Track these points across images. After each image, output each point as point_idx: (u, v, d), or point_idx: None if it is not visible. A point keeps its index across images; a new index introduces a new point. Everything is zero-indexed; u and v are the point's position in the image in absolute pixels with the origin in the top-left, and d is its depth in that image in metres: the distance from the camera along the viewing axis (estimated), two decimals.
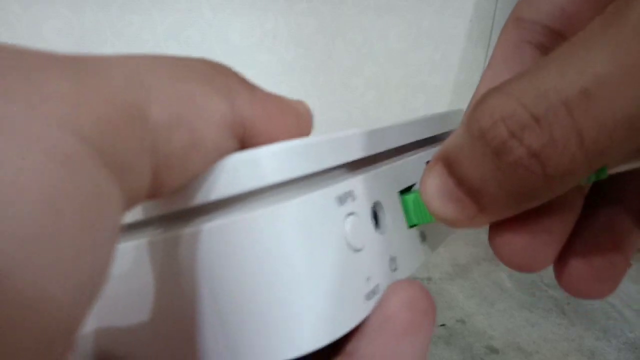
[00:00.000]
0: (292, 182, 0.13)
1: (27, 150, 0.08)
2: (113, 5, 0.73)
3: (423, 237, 0.18)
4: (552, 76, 0.11)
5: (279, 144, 0.13)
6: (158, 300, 0.14)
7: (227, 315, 0.13)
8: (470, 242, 0.85)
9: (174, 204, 0.13)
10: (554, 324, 0.65)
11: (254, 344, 0.12)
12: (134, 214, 0.14)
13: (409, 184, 0.18)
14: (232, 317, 0.12)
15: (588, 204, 0.16)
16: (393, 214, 0.16)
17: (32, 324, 0.07)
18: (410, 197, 0.17)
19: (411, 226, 0.17)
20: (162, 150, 0.11)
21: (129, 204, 0.10)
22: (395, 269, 0.16)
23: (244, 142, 0.13)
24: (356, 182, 0.15)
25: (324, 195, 0.13)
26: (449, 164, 0.13)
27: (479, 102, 0.12)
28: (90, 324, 0.16)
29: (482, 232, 0.88)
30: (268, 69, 0.80)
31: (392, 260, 0.16)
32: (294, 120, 0.14)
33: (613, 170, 0.13)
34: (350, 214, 0.14)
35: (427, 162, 0.20)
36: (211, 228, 0.12)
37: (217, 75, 0.13)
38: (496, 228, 0.14)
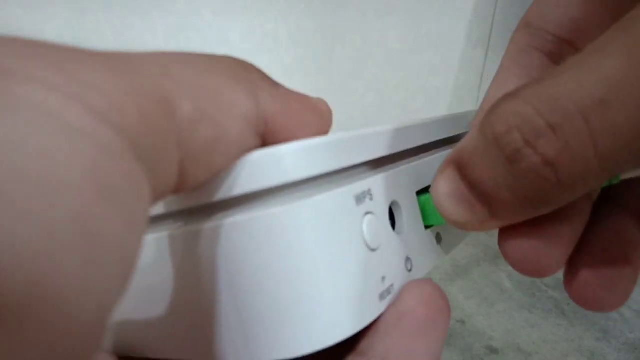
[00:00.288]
0: (312, 180, 0.13)
1: (66, 139, 0.08)
2: (114, 7, 0.73)
3: (439, 238, 0.18)
4: (569, 84, 0.11)
5: (301, 142, 0.13)
6: (177, 293, 0.14)
7: (245, 309, 0.13)
8: (470, 243, 0.85)
9: (196, 199, 0.13)
10: (554, 324, 0.65)
11: (268, 338, 0.13)
12: (156, 208, 0.15)
13: (427, 184, 0.18)
14: (249, 312, 0.13)
15: (598, 214, 0.16)
16: (410, 214, 0.16)
17: (73, 317, 0.07)
18: (427, 197, 0.17)
19: (427, 227, 0.17)
20: (188, 144, 0.11)
21: (156, 197, 0.10)
22: (410, 269, 0.16)
23: (266, 138, 0.13)
24: (374, 181, 0.15)
25: (343, 194, 0.13)
26: (461, 168, 0.13)
27: (494, 107, 0.12)
28: (113, 316, 0.16)
29: (482, 233, 0.88)
30: (268, 71, 0.80)
31: (408, 260, 0.16)
32: (314, 118, 0.15)
33: (627, 176, 0.13)
34: (368, 213, 0.14)
35: None
36: (232, 223, 0.13)
37: (242, 72, 0.13)
38: (506, 233, 0.14)
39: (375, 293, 0.14)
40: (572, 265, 0.15)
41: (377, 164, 0.16)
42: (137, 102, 0.09)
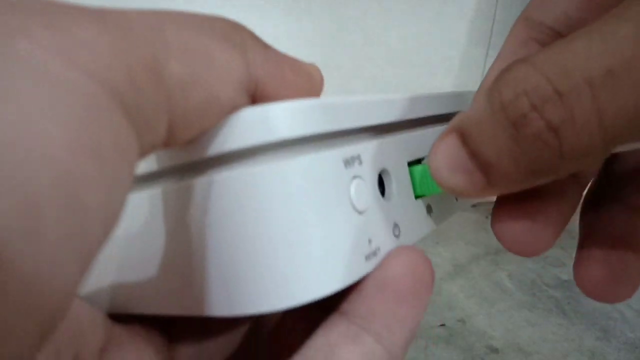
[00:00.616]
0: (302, 141, 0.13)
1: (54, 92, 0.08)
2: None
3: (429, 209, 0.19)
4: (578, 53, 0.11)
5: (292, 101, 0.13)
6: (169, 249, 0.15)
7: (232, 263, 0.13)
8: (470, 242, 0.85)
9: (187, 155, 0.14)
10: (554, 324, 0.65)
11: (255, 292, 0.13)
12: (150, 165, 0.15)
13: (419, 156, 0.18)
14: (236, 266, 0.13)
15: (609, 213, 0.16)
16: (399, 183, 0.17)
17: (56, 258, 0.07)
18: (418, 168, 0.17)
19: (417, 197, 0.18)
20: (178, 104, 0.11)
21: (144, 154, 0.11)
22: (398, 236, 0.16)
23: (256, 100, 0.13)
24: (364, 147, 0.15)
25: (331, 156, 0.14)
26: (463, 135, 0.13)
27: (503, 73, 0.12)
28: (104, 274, 0.17)
29: (482, 232, 0.88)
30: None
31: (396, 226, 0.16)
32: (306, 82, 0.15)
33: (624, 149, 0.13)
34: (356, 176, 0.14)
35: None
36: (221, 179, 0.13)
37: (234, 33, 0.13)
38: (498, 215, 0.15)
39: (361, 253, 0.14)
40: (583, 259, 0.16)
41: (369, 131, 0.16)
42: (126, 60, 0.09)
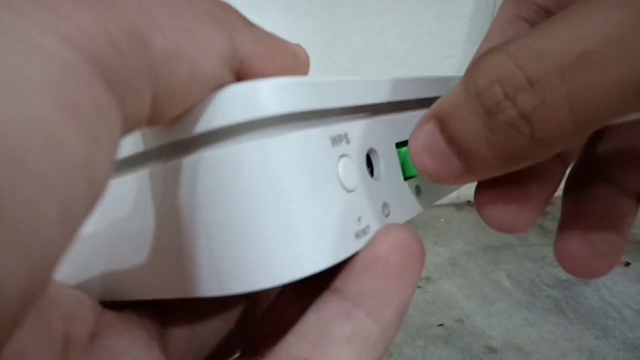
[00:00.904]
0: (289, 118, 0.13)
1: (31, 56, 0.08)
2: None
3: (418, 190, 0.19)
4: (550, 39, 0.11)
5: (279, 78, 0.13)
6: (158, 231, 0.15)
7: (220, 243, 0.13)
8: (469, 241, 0.85)
9: (173, 134, 0.14)
10: (553, 323, 0.65)
11: (243, 270, 0.13)
12: (136, 146, 0.15)
13: (407, 137, 0.18)
14: (223, 244, 0.13)
15: (593, 191, 0.16)
16: (388, 164, 0.17)
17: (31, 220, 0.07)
18: (406, 149, 0.18)
19: (406, 178, 0.18)
20: (162, 78, 0.11)
21: (129, 128, 0.11)
22: (387, 215, 0.16)
23: (241, 77, 0.13)
24: (352, 127, 0.15)
25: (318, 134, 0.14)
26: (442, 121, 0.14)
27: (478, 61, 0.13)
28: (92, 261, 0.17)
29: (482, 232, 0.88)
30: None
31: (385, 206, 0.16)
32: (291, 61, 0.15)
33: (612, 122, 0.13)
34: (344, 155, 0.14)
35: None
36: (207, 157, 0.13)
37: (219, 10, 0.13)
38: (481, 194, 0.15)
39: (351, 231, 0.14)
40: (564, 234, 0.16)
41: (357, 111, 0.16)
42: (108, 31, 0.09)
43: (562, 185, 0.16)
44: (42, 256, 0.08)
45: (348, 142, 0.15)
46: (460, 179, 0.14)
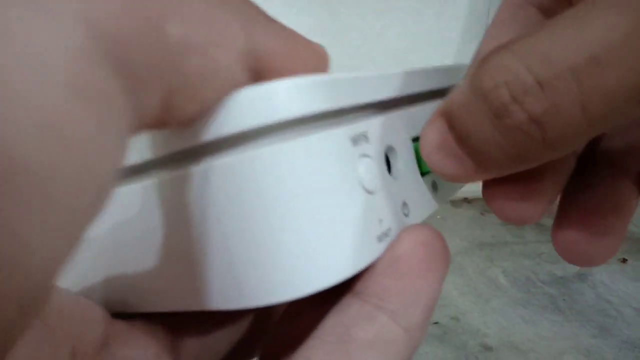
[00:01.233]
0: (307, 120, 0.13)
1: (46, 37, 0.08)
2: None
3: (435, 186, 0.18)
4: (560, 40, 0.11)
5: (296, 78, 0.12)
6: (167, 243, 0.14)
7: (238, 253, 0.12)
8: (465, 239, 0.84)
9: (184, 141, 0.13)
10: (550, 321, 0.64)
11: (264, 282, 0.12)
12: (144, 154, 0.14)
13: None
14: (243, 256, 0.12)
15: (595, 175, 0.16)
16: (406, 160, 0.16)
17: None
18: None
19: (423, 174, 0.17)
20: (175, 71, 0.10)
21: (137, 124, 0.10)
22: (407, 215, 0.16)
23: (259, 76, 0.13)
24: (370, 124, 0.15)
25: (339, 135, 0.13)
26: (450, 120, 0.13)
27: (484, 61, 0.12)
28: (101, 272, 0.16)
29: (478, 229, 0.87)
30: None
31: (405, 205, 0.16)
32: (311, 59, 0.14)
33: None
34: (364, 155, 0.14)
35: None
36: (222, 164, 0.12)
37: (239, 3, 0.12)
38: (490, 186, 0.15)
39: (373, 235, 0.13)
40: (562, 221, 0.16)
41: (373, 108, 0.16)
42: (125, 18, 0.09)
43: None
44: (41, 264, 0.07)
45: (367, 140, 0.14)
46: (472, 177, 0.14)
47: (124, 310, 0.16)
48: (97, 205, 0.09)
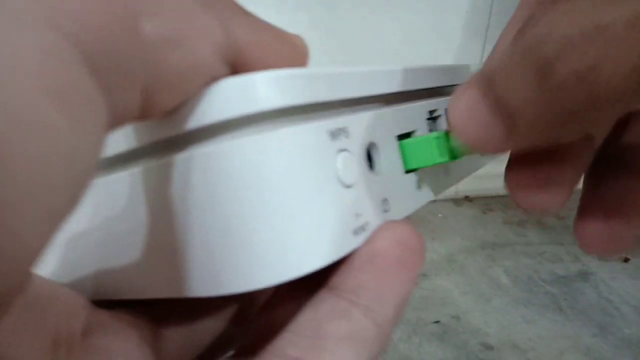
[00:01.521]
0: (286, 112, 0.13)
1: (15, 39, 0.08)
2: None
3: (420, 183, 0.18)
4: None
5: (276, 70, 0.13)
6: (151, 230, 0.14)
7: (216, 241, 0.13)
8: (466, 238, 0.84)
9: (167, 130, 0.13)
10: (550, 320, 0.64)
11: (237, 269, 0.13)
12: (129, 141, 0.14)
13: (410, 129, 0.18)
14: (218, 243, 0.13)
15: (609, 167, 0.16)
16: (389, 157, 0.16)
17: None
18: (408, 141, 0.17)
19: (408, 171, 0.18)
20: (153, 67, 0.10)
21: (119, 120, 0.10)
22: (387, 210, 0.16)
23: (237, 69, 0.13)
24: (351, 120, 0.15)
25: (316, 128, 0.13)
26: (489, 82, 0.13)
27: (530, 18, 0.12)
28: (86, 259, 0.17)
29: (480, 228, 0.87)
30: None
31: (385, 201, 0.16)
32: (289, 52, 0.14)
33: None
34: (343, 150, 0.14)
35: (430, 111, 0.20)
36: (202, 153, 0.13)
37: None
38: (512, 175, 0.15)
39: (349, 228, 0.14)
40: (584, 214, 0.16)
41: (357, 104, 0.16)
42: (97, 16, 0.09)
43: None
44: (19, 253, 0.07)
45: (347, 135, 0.14)
46: (501, 146, 0.13)
47: (107, 297, 0.16)
48: (74, 197, 0.09)
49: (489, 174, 1.07)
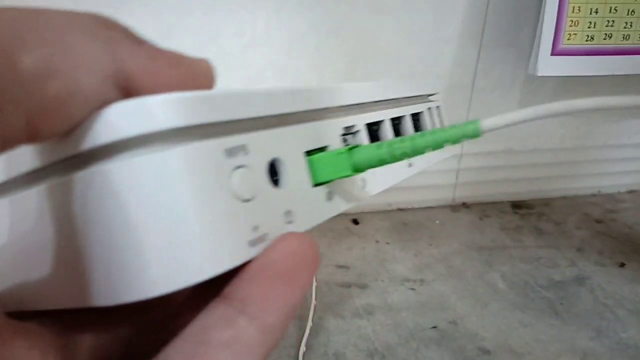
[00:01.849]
0: (181, 133, 0.14)
1: None
2: (104, 8, 0.72)
3: (329, 196, 0.20)
4: None
5: (167, 94, 0.14)
6: (57, 243, 0.15)
7: (111, 253, 0.14)
8: (463, 243, 0.85)
9: (65, 150, 0.14)
10: (547, 324, 0.65)
11: (133, 279, 0.14)
12: (35, 161, 0.16)
13: (320, 145, 0.20)
14: (114, 255, 0.14)
15: None
16: (295, 172, 0.18)
17: None
18: (317, 156, 0.19)
19: (316, 185, 0.19)
20: (33, 96, 0.11)
21: (5, 144, 0.11)
22: (290, 222, 0.17)
23: (130, 94, 0.14)
24: (252, 138, 0.16)
25: (209, 146, 0.14)
26: None
27: None
28: (4, 274, 0.18)
29: (476, 234, 0.87)
30: (259, 70, 0.80)
31: (288, 213, 0.17)
32: (186, 76, 0.15)
33: None
34: (240, 166, 0.15)
35: (346, 127, 0.22)
36: (97, 172, 0.14)
37: (100, 28, 0.13)
38: None
39: (244, 239, 0.15)
40: None
41: (260, 122, 0.17)
42: None
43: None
44: None
45: (247, 153, 0.15)
46: None
47: (19, 309, 0.17)
48: None
49: (486, 181, 1.07)
